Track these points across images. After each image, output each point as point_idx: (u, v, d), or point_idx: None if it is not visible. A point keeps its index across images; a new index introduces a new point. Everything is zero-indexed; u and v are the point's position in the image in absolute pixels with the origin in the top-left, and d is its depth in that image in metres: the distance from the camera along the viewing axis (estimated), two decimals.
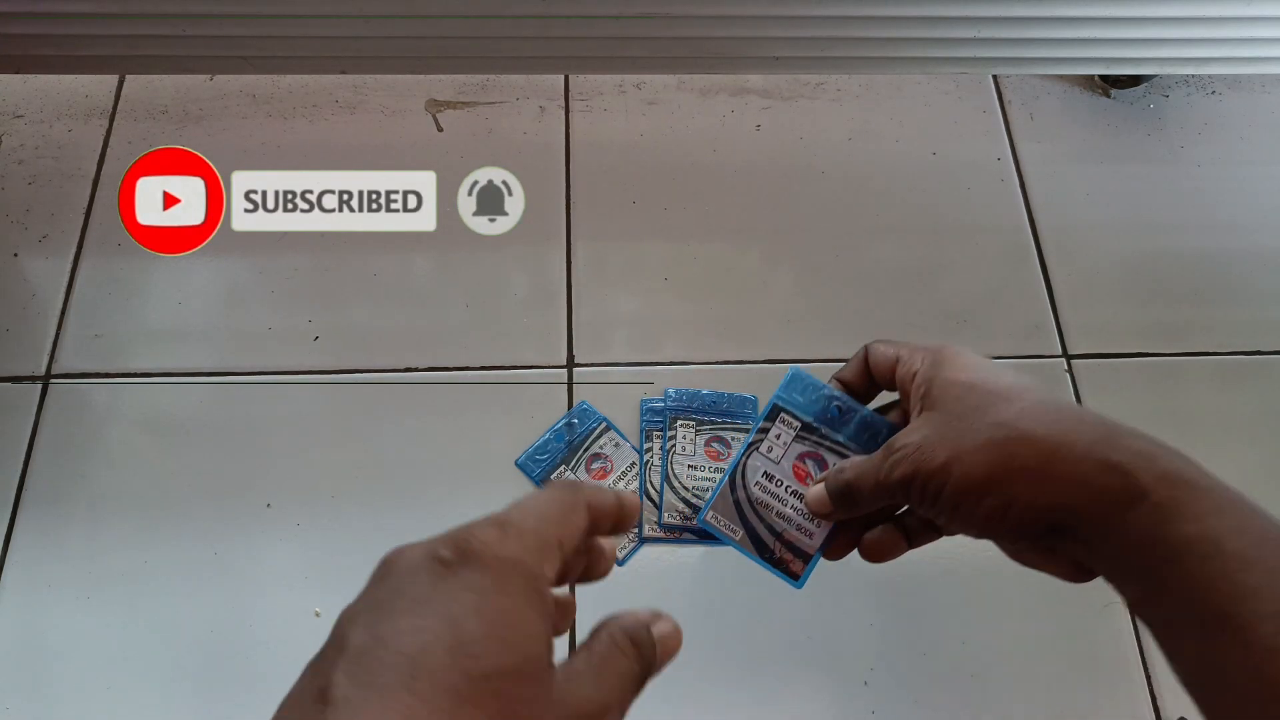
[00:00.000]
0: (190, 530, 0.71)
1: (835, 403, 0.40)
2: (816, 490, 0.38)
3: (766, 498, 0.39)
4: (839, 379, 0.40)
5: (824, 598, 0.71)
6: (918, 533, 0.38)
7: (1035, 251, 0.87)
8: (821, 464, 0.40)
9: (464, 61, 0.82)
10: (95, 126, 0.89)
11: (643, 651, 0.26)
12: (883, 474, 0.35)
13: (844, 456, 0.40)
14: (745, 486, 0.39)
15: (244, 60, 0.79)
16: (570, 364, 0.78)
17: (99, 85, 0.91)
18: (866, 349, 0.39)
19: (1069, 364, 0.81)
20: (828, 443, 0.40)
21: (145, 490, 0.73)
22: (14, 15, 0.74)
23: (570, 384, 0.78)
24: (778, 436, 0.40)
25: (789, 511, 0.39)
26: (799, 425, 0.40)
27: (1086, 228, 0.88)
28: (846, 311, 0.82)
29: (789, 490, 0.39)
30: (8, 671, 0.67)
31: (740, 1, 0.75)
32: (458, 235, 0.83)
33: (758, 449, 0.40)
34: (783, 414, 0.40)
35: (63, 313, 0.80)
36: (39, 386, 0.77)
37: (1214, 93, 0.97)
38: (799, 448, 0.40)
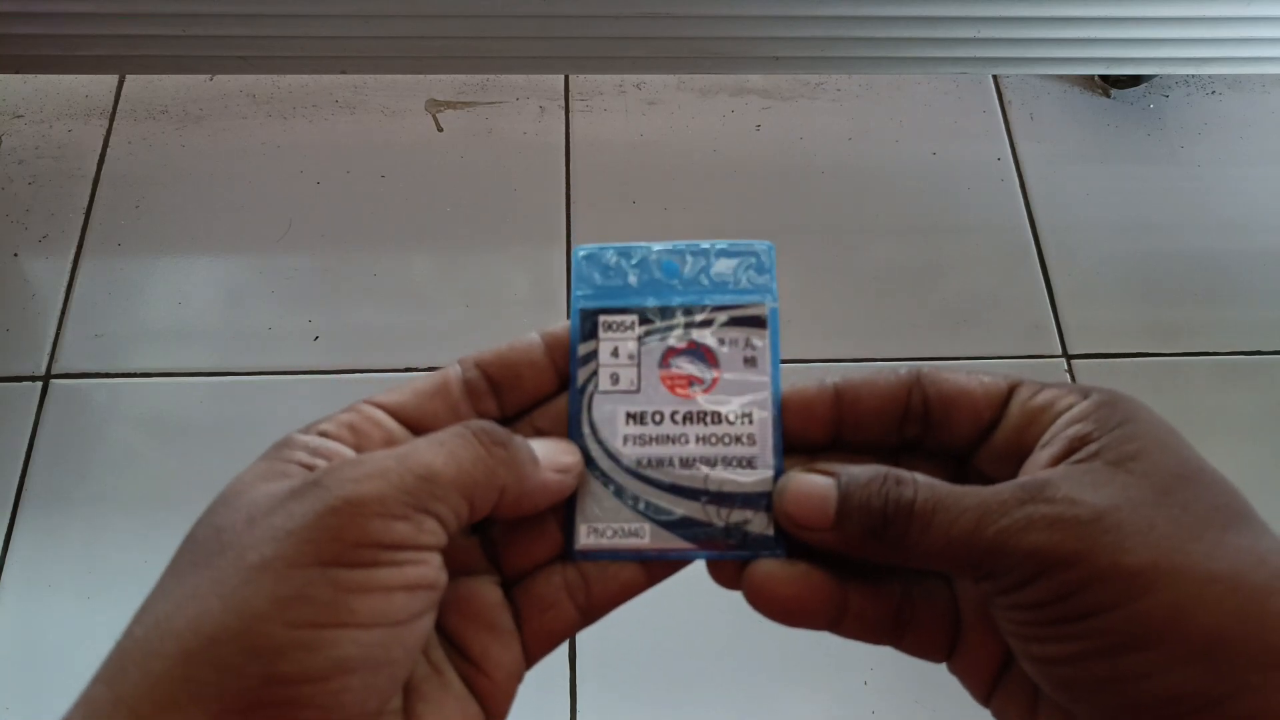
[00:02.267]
0: None
1: (663, 255, 0.27)
2: (810, 484, 0.23)
3: (654, 451, 0.25)
4: (840, 389, 0.24)
5: None
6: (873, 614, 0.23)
7: (1035, 251, 0.87)
8: (703, 355, 0.26)
9: (464, 61, 0.82)
10: (95, 126, 0.89)
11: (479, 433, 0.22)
12: (991, 528, 0.20)
13: (728, 325, 0.26)
14: (613, 455, 0.25)
15: (244, 60, 0.80)
16: None
17: (99, 85, 0.91)
18: (918, 371, 0.24)
19: (1069, 364, 0.81)
20: (695, 319, 0.26)
21: (145, 490, 0.73)
22: (14, 15, 0.74)
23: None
24: (613, 353, 0.26)
25: (697, 449, 0.25)
26: (634, 318, 0.26)
27: (1086, 228, 0.88)
28: (846, 311, 0.82)
29: (678, 417, 0.26)
30: (8, 671, 0.67)
31: (740, 1, 0.75)
32: (458, 233, 0.83)
33: (595, 389, 0.26)
34: (602, 318, 0.26)
35: (63, 313, 0.80)
36: (39, 386, 0.77)
37: (1214, 93, 0.97)
38: (653, 351, 0.26)
